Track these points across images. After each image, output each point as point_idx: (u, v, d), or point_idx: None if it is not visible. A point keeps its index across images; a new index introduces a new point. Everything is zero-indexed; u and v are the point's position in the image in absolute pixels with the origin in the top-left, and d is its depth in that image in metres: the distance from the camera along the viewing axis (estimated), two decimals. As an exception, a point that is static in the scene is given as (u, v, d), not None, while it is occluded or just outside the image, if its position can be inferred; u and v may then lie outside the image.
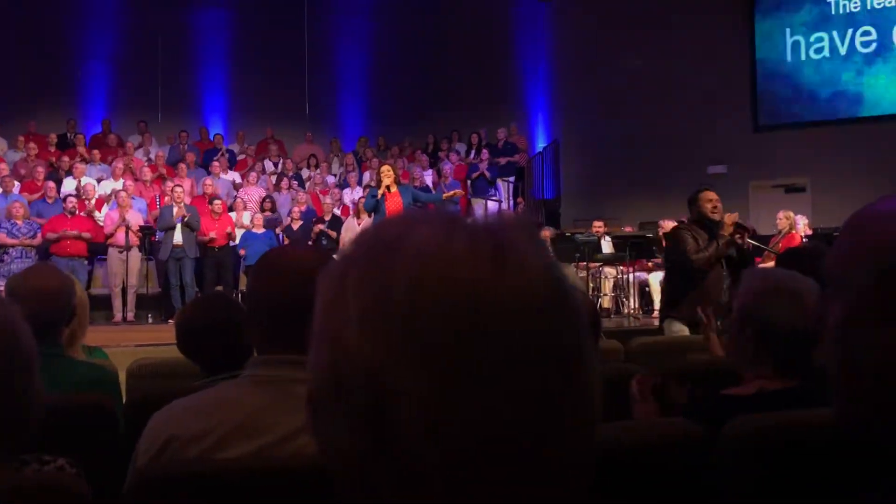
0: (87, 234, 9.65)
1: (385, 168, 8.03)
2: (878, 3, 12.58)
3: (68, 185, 11.02)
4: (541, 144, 14.70)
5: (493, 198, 13.00)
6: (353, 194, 12.24)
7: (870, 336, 0.74)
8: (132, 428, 1.86)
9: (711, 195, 4.94)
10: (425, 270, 0.53)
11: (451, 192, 9.75)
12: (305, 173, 13.23)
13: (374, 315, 0.54)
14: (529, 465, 0.53)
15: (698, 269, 4.75)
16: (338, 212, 11.52)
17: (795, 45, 13.19)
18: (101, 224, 10.06)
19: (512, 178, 13.54)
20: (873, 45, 12.65)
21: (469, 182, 13.21)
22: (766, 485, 1.49)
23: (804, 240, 9.13)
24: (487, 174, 13.19)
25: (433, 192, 12.69)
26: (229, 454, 1.32)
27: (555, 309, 0.55)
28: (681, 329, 4.78)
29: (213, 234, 10.00)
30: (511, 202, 13.16)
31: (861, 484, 0.82)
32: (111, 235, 9.77)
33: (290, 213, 11.18)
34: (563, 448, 0.54)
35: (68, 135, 13.07)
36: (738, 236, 4.85)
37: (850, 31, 12.80)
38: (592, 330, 2.46)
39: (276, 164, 13.31)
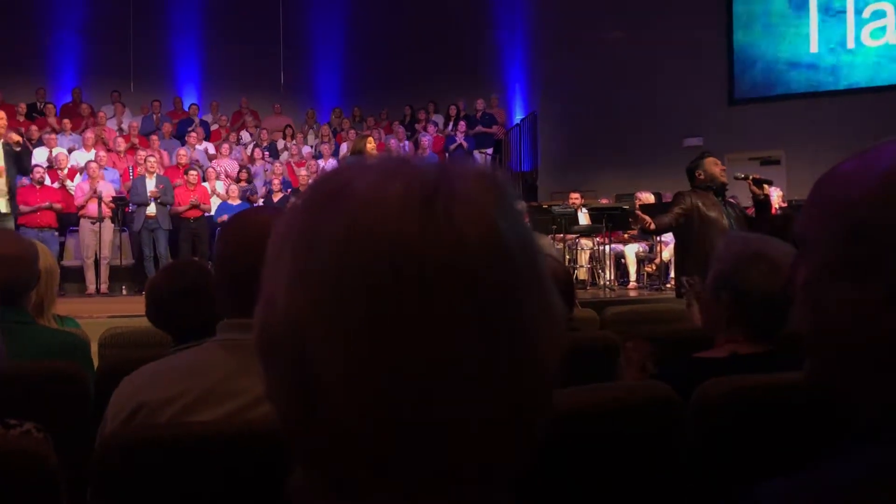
0: (58, 206, 9.51)
1: (371, 139, 8.05)
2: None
3: (39, 155, 10.84)
4: (518, 117, 14.66)
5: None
6: (328, 165, 12.16)
7: (834, 295, 0.74)
8: (103, 396, 1.84)
9: (716, 160, 5.06)
10: (353, 221, 0.50)
11: None
12: (281, 144, 13.12)
13: (301, 269, 0.51)
14: (452, 432, 0.49)
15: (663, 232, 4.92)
16: (314, 183, 11.45)
17: (770, 18, 13.22)
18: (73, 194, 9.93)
19: (490, 150, 13.51)
20: (846, 19, 12.71)
21: (447, 154, 13.15)
22: (739, 446, 1.50)
23: (779, 211, 9.23)
24: (465, 144, 13.15)
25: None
26: (199, 418, 1.30)
27: (491, 264, 0.50)
28: None
29: (194, 199, 9.90)
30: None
31: (830, 445, 0.83)
32: (83, 206, 9.63)
33: (265, 184, 11.10)
34: (495, 415, 0.50)
35: (38, 104, 12.83)
36: (760, 191, 4.90)
37: (823, 6, 12.85)
38: (565, 298, 2.46)
39: (252, 135, 13.19)
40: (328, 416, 0.50)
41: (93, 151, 10.84)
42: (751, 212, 5.42)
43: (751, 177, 4.96)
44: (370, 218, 0.50)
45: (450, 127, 13.84)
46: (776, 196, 9.56)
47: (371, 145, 7.80)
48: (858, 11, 12.63)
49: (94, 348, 3.11)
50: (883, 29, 12.51)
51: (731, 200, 5.15)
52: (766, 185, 4.90)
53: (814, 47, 12.93)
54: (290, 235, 0.53)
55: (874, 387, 0.74)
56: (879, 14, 12.52)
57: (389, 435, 0.49)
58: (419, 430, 0.49)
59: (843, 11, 12.73)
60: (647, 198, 9.86)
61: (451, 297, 0.48)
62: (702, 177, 4.98)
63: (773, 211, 8.71)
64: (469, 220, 0.50)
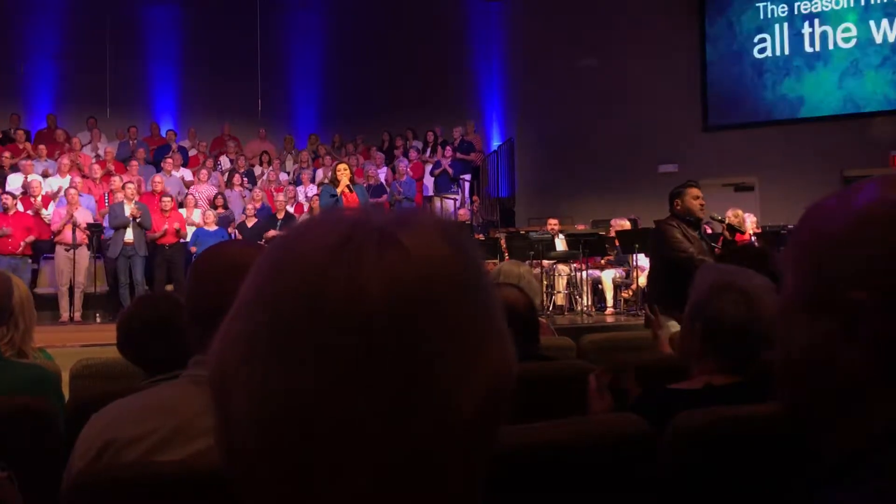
0: (30, 238, 9.40)
1: (342, 166, 8.09)
2: (818, 7, 12.92)
3: (13, 181, 10.73)
4: (496, 143, 14.74)
5: (452, 195, 13.00)
6: (306, 192, 12.14)
7: (797, 328, 0.75)
8: (73, 431, 1.81)
9: (698, 192, 4.95)
10: (278, 261, 0.53)
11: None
12: (258, 170, 13.08)
13: (233, 310, 0.54)
14: (344, 471, 0.50)
15: (686, 264, 4.72)
16: (291, 209, 11.42)
17: (742, 47, 13.45)
18: (48, 221, 9.82)
19: (468, 177, 13.57)
20: (814, 49, 12.97)
21: (433, 179, 13.19)
22: (713, 478, 1.50)
23: (752, 237, 9.32)
24: (450, 171, 13.18)
25: (388, 189, 12.67)
26: (168, 457, 1.28)
27: (396, 313, 0.50)
28: (673, 324, 4.78)
29: (166, 227, 9.83)
30: (467, 200, 13.20)
31: (801, 477, 0.83)
32: (58, 233, 9.53)
33: (244, 210, 11.05)
34: (386, 458, 0.50)
35: (11, 130, 12.73)
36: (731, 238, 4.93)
37: (793, 35, 13.11)
38: (527, 331, 2.44)
39: (232, 161, 13.14)
40: (240, 448, 0.52)
41: (68, 177, 10.74)
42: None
43: (726, 222, 5.00)
44: (293, 259, 0.52)
45: (428, 153, 13.88)
46: (750, 222, 9.67)
47: (342, 171, 7.86)
48: (830, 39, 12.88)
49: (66, 378, 3.07)
50: (853, 56, 12.75)
51: (705, 232, 5.16)
52: (738, 234, 4.96)
53: (783, 76, 13.15)
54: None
55: (837, 420, 0.74)
56: (848, 41, 12.77)
57: (280, 469, 0.50)
58: (309, 470, 0.50)
59: (815, 39, 12.97)
60: (623, 224, 9.93)
61: (342, 337, 0.49)
62: (678, 208, 4.96)
63: (747, 239, 8.81)
64: (397, 269, 0.50)
